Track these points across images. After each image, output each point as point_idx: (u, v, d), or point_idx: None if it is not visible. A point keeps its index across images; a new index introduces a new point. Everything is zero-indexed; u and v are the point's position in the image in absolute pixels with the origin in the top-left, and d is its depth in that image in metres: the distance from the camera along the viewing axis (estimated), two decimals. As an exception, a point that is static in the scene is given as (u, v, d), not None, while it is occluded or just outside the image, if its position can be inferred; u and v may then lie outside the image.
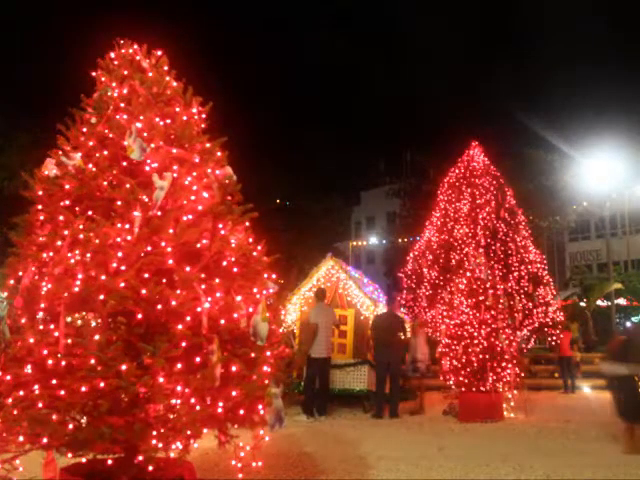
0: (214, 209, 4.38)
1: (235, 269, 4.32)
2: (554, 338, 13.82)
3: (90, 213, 4.21)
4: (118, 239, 3.99)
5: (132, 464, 3.95)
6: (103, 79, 4.76)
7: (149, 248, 4.03)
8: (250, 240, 4.61)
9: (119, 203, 4.14)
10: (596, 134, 22.66)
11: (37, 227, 4.28)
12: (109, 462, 4.21)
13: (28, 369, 3.78)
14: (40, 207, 4.30)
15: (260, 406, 4.15)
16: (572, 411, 10.32)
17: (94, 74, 4.82)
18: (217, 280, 4.16)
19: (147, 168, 4.32)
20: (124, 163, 4.37)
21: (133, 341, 3.90)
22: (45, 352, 3.76)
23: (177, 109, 4.72)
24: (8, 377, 3.77)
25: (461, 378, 9.19)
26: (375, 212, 45.01)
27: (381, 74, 71.28)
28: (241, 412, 4.07)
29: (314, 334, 9.55)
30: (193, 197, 4.29)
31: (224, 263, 4.30)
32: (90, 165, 4.34)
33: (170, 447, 3.96)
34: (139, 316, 3.90)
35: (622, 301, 26.18)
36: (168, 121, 4.61)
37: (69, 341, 3.81)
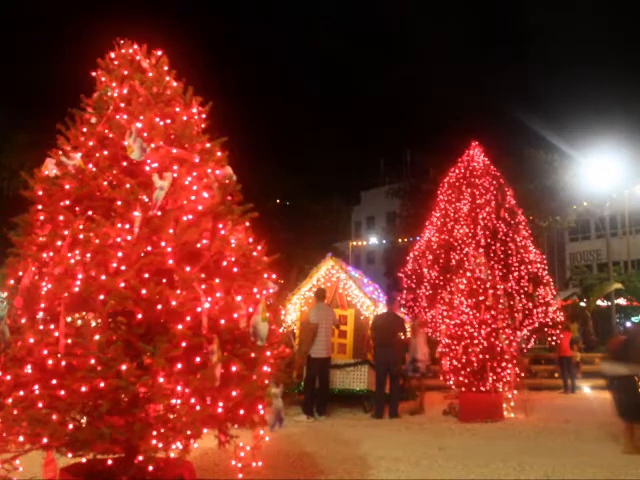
0: (214, 209, 4.38)
1: (235, 269, 4.32)
2: (554, 338, 13.82)
3: (90, 213, 4.21)
4: (118, 239, 3.99)
5: (132, 464, 3.95)
6: (103, 79, 4.76)
7: (149, 248, 4.03)
8: (250, 240, 4.61)
9: (119, 203, 4.14)
10: (596, 134, 22.71)
11: (37, 227, 4.27)
12: (109, 462, 4.21)
13: (28, 369, 3.78)
14: (40, 207, 4.30)
15: (260, 406, 4.15)
16: (572, 411, 10.31)
17: (94, 74, 4.82)
18: (217, 280, 4.16)
19: (147, 168, 4.32)
20: (124, 163, 4.37)
21: (133, 341, 3.90)
22: (45, 352, 3.76)
23: (177, 109, 4.71)
24: (8, 377, 3.78)
25: (461, 378, 9.19)
26: (375, 212, 45.02)
27: (381, 74, 71.35)
28: (241, 412, 4.07)
29: (314, 334, 9.55)
30: (193, 197, 4.29)
31: (224, 263, 4.30)
32: (90, 165, 4.34)
33: (170, 447, 3.96)
34: (139, 316, 3.90)
35: (622, 301, 26.14)
36: (168, 121, 4.61)
37: (69, 341, 3.81)
